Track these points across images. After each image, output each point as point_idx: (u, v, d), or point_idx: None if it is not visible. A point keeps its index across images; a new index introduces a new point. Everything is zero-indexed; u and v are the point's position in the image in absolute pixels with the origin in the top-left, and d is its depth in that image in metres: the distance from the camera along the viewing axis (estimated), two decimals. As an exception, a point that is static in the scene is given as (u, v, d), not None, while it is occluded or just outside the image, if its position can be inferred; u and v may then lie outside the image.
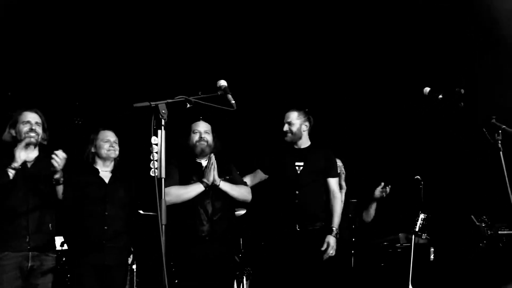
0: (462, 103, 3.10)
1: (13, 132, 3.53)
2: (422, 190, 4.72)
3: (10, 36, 4.70)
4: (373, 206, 5.00)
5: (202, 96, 2.80)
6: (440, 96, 3.18)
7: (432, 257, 5.01)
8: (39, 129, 3.55)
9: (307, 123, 4.32)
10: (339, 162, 4.69)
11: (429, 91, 3.24)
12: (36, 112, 3.60)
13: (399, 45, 5.42)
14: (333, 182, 4.25)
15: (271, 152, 4.44)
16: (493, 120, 3.00)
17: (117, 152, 3.91)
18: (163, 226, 2.43)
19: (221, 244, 3.84)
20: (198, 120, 4.02)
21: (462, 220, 4.90)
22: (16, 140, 3.52)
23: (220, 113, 2.88)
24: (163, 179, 2.51)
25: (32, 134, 3.51)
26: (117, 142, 3.94)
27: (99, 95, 5.49)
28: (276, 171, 4.30)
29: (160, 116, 2.54)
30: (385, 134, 5.88)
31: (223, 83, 2.88)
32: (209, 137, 3.98)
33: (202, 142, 3.94)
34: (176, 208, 3.74)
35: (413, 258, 4.54)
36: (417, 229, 4.59)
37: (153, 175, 2.48)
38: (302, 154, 4.27)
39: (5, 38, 4.66)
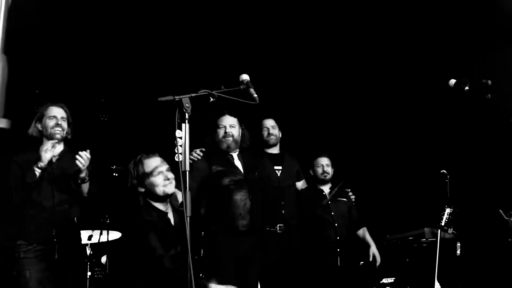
0: (489, 95, 3.05)
1: (39, 126, 3.60)
2: (448, 184, 4.64)
3: (37, 33, 4.78)
4: None
5: (224, 90, 2.81)
6: (467, 88, 3.13)
7: (458, 252, 4.93)
8: (64, 124, 3.62)
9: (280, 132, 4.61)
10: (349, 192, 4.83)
11: (455, 83, 3.20)
12: (62, 107, 3.66)
13: (423, 38, 5.36)
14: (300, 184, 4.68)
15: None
16: (522, 112, 2.94)
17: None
18: (188, 218, 2.45)
19: (257, 239, 3.84)
20: (224, 114, 4.01)
21: (490, 215, 4.80)
22: (42, 134, 3.60)
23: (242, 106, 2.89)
24: (187, 172, 2.53)
25: (58, 129, 3.58)
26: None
27: (124, 91, 5.55)
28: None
29: (184, 110, 2.56)
30: (411, 128, 5.81)
31: (245, 77, 2.89)
32: (235, 131, 3.96)
33: (228, 138, 3.92)
34: (213, 203, 3.76)
35: (439, 253, 4.48)
36: (443, 224, 4.52)
37: (177, 160, 2.51)
38: (278, 159, 4.50)
39: (33, 36, 4.75)
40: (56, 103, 3.67)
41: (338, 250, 4.49)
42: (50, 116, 3.60)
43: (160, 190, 3.01)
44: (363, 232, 4.82)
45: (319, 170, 4.74)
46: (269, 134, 4.52)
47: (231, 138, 3.92)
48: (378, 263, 4.65)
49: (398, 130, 5.90)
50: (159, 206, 3.04)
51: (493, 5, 4.78)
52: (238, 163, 3.97)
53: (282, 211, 4.23)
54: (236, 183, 3.84)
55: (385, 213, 5.67)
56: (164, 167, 3.06)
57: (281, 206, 4.25)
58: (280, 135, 4.61)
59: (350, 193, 4.79)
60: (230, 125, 3.95)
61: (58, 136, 3.58)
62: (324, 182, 4.75)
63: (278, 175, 4.40)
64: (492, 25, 4.92)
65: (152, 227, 2.90)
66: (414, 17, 5.21)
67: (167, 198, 3.06)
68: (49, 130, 3.57)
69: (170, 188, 3.02)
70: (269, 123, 4.57)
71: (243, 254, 3.75)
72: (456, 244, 4.92)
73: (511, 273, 4.57)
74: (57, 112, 3.62)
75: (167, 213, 3.06)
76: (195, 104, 2.62)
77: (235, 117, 4.01)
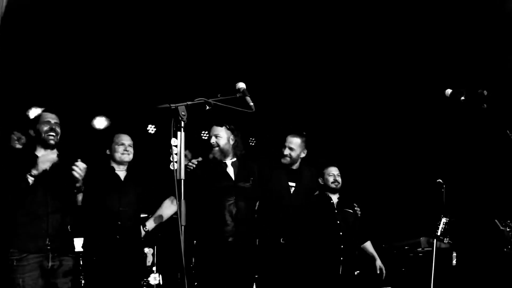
0: (485, 105, 3.05)
1: (31, 132, 3.61)
2: (444, 193, 4.65)
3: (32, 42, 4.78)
4: None
5: (221, 98, 2.81)
6: (463, 98, 3.14)
7: (454, 262, 4.93)
8: (58, 129, 3.62)
9: (305, 151, 4.43)
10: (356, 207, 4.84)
11: (451, 93, 3.20)
12: (55, 113, 3.67)
13: (421, 47, 5.38)
14: None
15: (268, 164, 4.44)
16: (517, 122, 2.95)
17: (131, 156, 4.02)
18: (183, 227, 2.44)
19: (244, 245, 3.85)
20: (212, 125, 4.05)
21: (486, 224, 4.81)
22: (34, 140, 3.59)
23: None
24: (182, 181, 2.53)
25: (52, 134, 3.58)
26: (131, 145, 4.05)
27: (120, 98, 5.55)
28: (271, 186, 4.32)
29: (180, 118, 2.55)
30: (407, 137, 5.82)
31: (242, 85, 2.88)
32: (221, 141, 3.98)
33: (213, 148, 3.97)
34: (200, 210, 3.78)
35: (435, 263, 4.47)
36: (439, 233, 4.53)
37: (172, 168, 2.51)
38: (295, 175, 4.41)
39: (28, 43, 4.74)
40: (49, 109, 3.67)
41: (342, 258, 4.48)
42: (44, 121, 3.60)
43: None
44: (368, 245, 4.85)
45: (330, 179, 4.75)
46: (288, 155, 4.35)
47: (216, 148, 3.97)
48: (384, 275, 4.72)
49: (395, 140, 5.91)
50: None
51: (499, 10, 4.80)
52: (230, 170, 3.99)
53: (286, 229, 4.20)
54: (224, 190, 3.87)
55: (382, 223, 5.67)
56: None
57: (287, 224, 4.21)
58: (303, 156, 4.43)
59: (357, 208, 4.78)
60: (215, 135, 4.00)
61: (52, 141, 3.58)
62: (335, 191, 4.76)
63: (291, 191, 4.35)
64: (498, 29, 4.94)
65: None
66: (420, 29, 5.22)
67: None
68: (43, 135, 3.57)
69: None
70: (293, 142, 4.36)
71: (231, 259, 3.75)
72: (452, 253, 4.91)
73: (507, 283, 4.56)
74: (50, 117, 3.63)
75: None
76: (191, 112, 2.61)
77: (222, 126, 4.02)
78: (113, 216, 3.87)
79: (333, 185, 4.71)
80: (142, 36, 5.19)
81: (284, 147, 4.36)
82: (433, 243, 4.57)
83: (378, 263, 4.75)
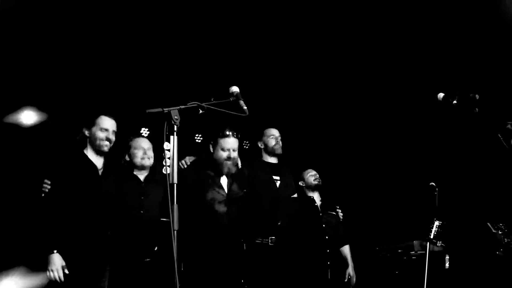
0: (477, 109, 3.07)
1: (86, 132, 3.60)
2: (437, 196, 4.66)
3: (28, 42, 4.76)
4: None
5: (214, 102, 2.81)
6: (455, 102, 3.16)
7: (447, 265, 4.94)
8: (113, 137, 3.61)
9: None
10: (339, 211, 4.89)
11: (443, 97, 3.22)
12: (113, 119, 3.65)
13: (416, 48, 5.40)
14: None
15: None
16: (509, 126, 2.97)
17: (151, 160, 3.89)
18: (175, 231, 2.43)
19: (237, 250, 3.84)
20: (227, 135, 3.89)
21: (478, 228, 4.82)
22: (87, 141, 3.60)
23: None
24: (175, 185, 2.52)
25: (107, 143, 3.58)
26: (151, 148, 3.92)
27: (110, 101, 5.52)
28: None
29: (173, 122, 2.55)
30: (399, 140, 5.84)
31: (235, 89, 2.88)
32: (236, 155, 3.91)
33: (230, 162, 3.87)
34: (192, 215, 3.76)
35: (428, 266, 4.48)
36: (432, 237, 4.54)
37: (165, 172, 2.51)
38: (277, 168, 4.46)
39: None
40: (108, 113, 3.65)
41: (329, 263, 4.47)
42: (102, 128, 3.57)
43: None
44: (345, 249, 4.85)
45: (311, 178, 4.79)
46: (277, 143, 4.48)
47: (232, 162, 3.88)
48: (353, 283, 4.73)
49: (387, 142, 5.92)
50: None
51: (492, 14, 4.83)
52: (224, 180, 3.96)
53: (278, 222, 4.17)
54: (217, 198, 3.85)
55: (374, 226, 5.67)
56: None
57: (277, 217, 4.18)
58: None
59: (339, 210, 4.82)
60: (233, 149, 3.88)
61: (105, 149, 3.59)
62: (317, 188, 4.77)
63: (277, 185, 4.38)
64: (490, 33, 4.97)
65: None
66: (418, 33, 5.24)
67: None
68: (98, 142, 3.56)
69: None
70: (277, 132, 4.52)
71: (222, 265, 3.74)
72: (445, 257, 4.93)
73: (499, 286, 4.58)
74: (109, 125, 3.60)
75: None
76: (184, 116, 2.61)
77: (237, 137, 3.92)
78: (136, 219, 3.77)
79: (315, 182, 4.75)
80: (135, 39, 5.17)
81: (272, 137, 4.45)
82: (426, 246, 4.58)
83: (349, 270, 4.74)
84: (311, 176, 4.80)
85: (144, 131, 5.21)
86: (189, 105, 2.71)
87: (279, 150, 4.49)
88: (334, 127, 6.12)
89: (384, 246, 5.26)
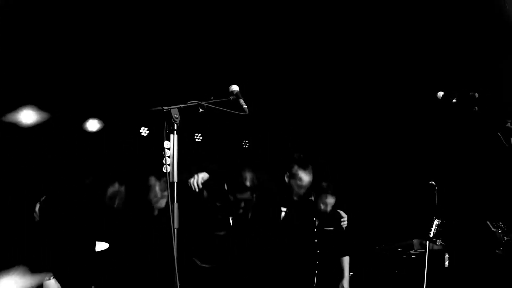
0: (476, 107, 3.08)
1: None
2: (437, 195, 4.67)
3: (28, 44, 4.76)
4: None
5: (214, 100, 2.81)
6: (454, 100, 3.16)
7: (447, 263, 4.95)
8: None
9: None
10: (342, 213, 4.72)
11: (443, 95, 3.22)
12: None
13: (416, 48, 5.40)
14: None
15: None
16: (508, 124, 2.97)
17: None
18: (175, 230, 2.44)
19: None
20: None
21: (478, 226, 4.83)
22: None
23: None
24: (175, 184, 2.52)
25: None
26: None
27: (110, 100, 5.53)
28: None
29: (173, 121, 2.55)
30: (399, 139, 5.85)
31: (235, 88, 2.88)
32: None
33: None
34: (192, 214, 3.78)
35: (427, 265, 4.49)
36: (431, 235, 4.54)
37: (165, 171, 2.51)
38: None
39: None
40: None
41: (316, 272, 4.41)
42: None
43: None
44: (345, 260, 4.64)
45: (329, 207, 4.65)
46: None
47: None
48: None
49: (387, 142, 5.93)
50: None
51: (491, 13, 4.83)
52: None
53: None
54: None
55: (374, 224, 5.68)
56: None
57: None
58: None
59: (344, 220, 4.63)
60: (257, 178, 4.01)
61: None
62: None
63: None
64: (490, 32, 4.98)
65: None
66: (418, 33, 5.24)
67: None
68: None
69: None
70: (307, 180, 4.27)
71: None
72: (445, 255, 4.93)
73: (499, 284, 4.58)
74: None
75: None
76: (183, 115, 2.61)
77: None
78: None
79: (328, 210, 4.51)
80: (135, 38, 5.18)
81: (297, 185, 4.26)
82: (426, 245, 4.59)
83: (343, 283, 4.53)
84: (330, 204, 4.49)
85: (144, 131, 5.22)
86: (189, 104, 2.71)
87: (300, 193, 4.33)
88: (334, 127, 6.13)
89: (384, 245, 5.27)
